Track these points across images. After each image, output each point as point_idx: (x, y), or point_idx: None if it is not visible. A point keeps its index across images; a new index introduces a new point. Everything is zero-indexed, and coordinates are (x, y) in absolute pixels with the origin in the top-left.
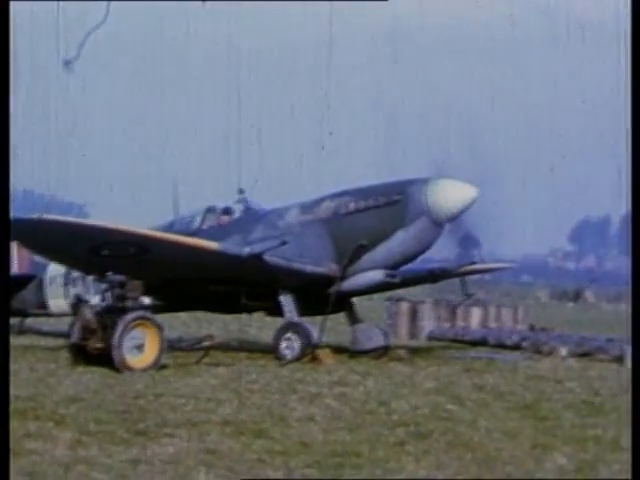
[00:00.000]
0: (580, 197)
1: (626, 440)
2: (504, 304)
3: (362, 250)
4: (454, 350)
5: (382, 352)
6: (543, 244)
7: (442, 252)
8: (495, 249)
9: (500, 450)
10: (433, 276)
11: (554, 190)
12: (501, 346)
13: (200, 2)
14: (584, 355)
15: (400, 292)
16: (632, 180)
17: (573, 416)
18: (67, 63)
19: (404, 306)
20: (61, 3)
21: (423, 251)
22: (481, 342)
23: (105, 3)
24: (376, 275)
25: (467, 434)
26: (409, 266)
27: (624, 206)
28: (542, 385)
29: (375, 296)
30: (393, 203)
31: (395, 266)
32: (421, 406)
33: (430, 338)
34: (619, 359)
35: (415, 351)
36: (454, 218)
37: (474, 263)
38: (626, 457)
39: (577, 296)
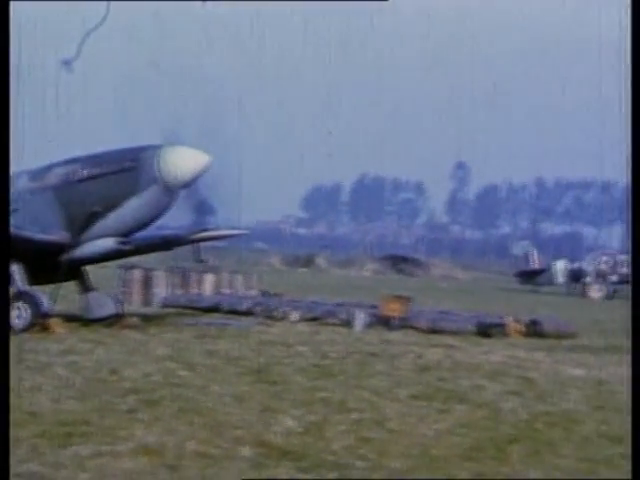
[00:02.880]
0: (312, 164)
1: (354, 401)
2: (237, 270)
3: (94, 217)
4: (187, 317)
5: (114, 320)
6: (276, 211)
7: (176, 219)
8: (229, 216)
9: (230, 414)
10: (166, 243)
11: (287, 157)
12: (234, 312)
13: (200, 2)
14: (314, 319)
15: (134, 259)
16: (632, 175)
17: (303, 379)
18: (66, 63)
19: (137, 273)
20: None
21: (156, 218)
22: (214, 308)
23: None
24: (108, 242)
25: (198, 400)
26: (142, 233)
27: (355, 173)
28: (273, 350)
29: (109, 264)
30: (125, 170)
31: (128, 233)
32: (153, 373)
33: (163, 305)
34: (347, 323)
35: (148, 318)
36: (187, 185)
37: (208, 230)
38: (352, 417)
39: (309, 262)
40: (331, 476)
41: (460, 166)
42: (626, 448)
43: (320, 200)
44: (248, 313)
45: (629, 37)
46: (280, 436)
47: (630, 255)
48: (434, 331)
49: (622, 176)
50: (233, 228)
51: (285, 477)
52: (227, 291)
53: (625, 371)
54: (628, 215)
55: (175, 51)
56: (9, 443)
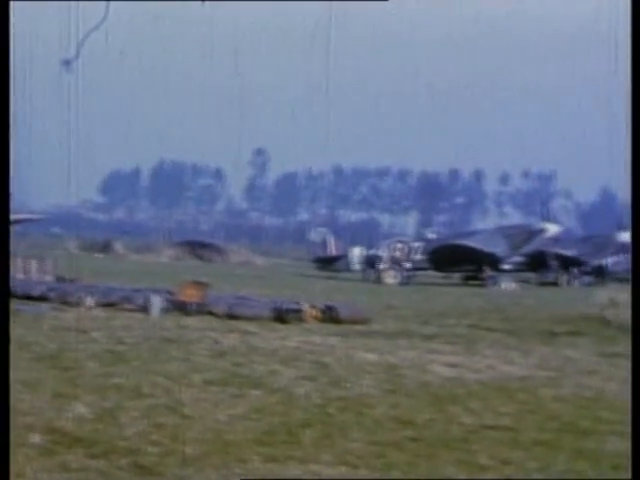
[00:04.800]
0: (110, 148)
1: (148, 387)
2: (32, 255)
3: None
4: None
5: None
6: (73, 195)
7: None
8: (25, 200)
9: (21, 401)
10: None
11: (84, 141)
12: (28, 297)
13: (200, 2)
14: (110, 305)
15: None
16: (632, 174)
17: (96, 365)
18: (67, 63)
19: None
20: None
21: None
22: None
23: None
24: None
25: None
26: None
27: (154, 158)
28: (67, 335)
29: None
30: None
31: None
32: None
33: None
34: (144, 308)
35: None
36: None
37: None
38: (146, 403)
39: (106, 247)
40: (123, 462)
41: (259, 152)
42: (414, 431)
43: (118, 185)
44: (42, 298)
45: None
46: (72, 422)
47: (630, 254)
48: (231, 317)
49: (418, 164)
50: (28, 212)
51: (75, 464)
52: (21, 276)
53: (416, 355)
54: (628, 215)
55: None
56: (9, 443)
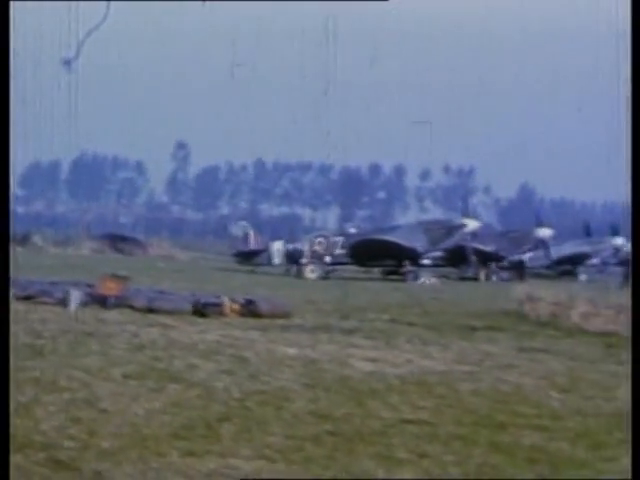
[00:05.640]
0: (30, 140)
1: (66, 381)
2: None
3: None
4: None
5: None
6: None
7: None
8: None
9: None
10: None
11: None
12: None
13: (200, 2)
14: (29, 298)
15: None
16: (632, 173)
17: (13, 359)
18: (67, 62)
19: None
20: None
21: None
22: None
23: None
24: None
25: None
26: None
27: (75, 151)
28: None
29: None
30: None
31: None
32: None
33: None
34: (62, 301)
35: None
36: None
37: None
38: (63, 397)
39: (25, 240)
40: (40, 456)
41: (181, 146)
42: (333, 425)
43: (38, 177)
44: None
45: None
46: None
47: (630, 255)
48: (151, 310)
49: (340, 160)
50: None
51: None
52: None
53: (336, 349)
54: (628, 216)
55: None
56: (9, 443)
